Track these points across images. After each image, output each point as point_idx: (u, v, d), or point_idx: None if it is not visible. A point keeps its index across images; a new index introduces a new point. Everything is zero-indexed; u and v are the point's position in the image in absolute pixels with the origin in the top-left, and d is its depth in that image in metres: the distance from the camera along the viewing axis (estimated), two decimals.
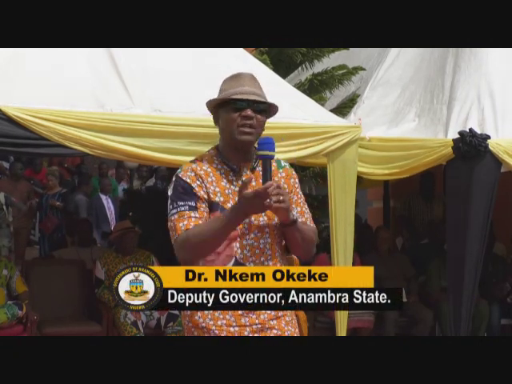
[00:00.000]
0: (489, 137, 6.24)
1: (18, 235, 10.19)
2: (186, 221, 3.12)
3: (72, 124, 5.25)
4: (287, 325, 3.22)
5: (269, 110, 3.27)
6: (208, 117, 5.53)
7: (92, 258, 7.73)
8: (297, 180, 3.33)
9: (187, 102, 5.62)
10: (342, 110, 7.41)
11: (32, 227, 12.38)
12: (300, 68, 8.40)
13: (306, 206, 3.32)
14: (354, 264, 7.40)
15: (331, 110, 6.92)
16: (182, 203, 3.15)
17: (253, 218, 3.17)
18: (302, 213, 3.28)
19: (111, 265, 7.25)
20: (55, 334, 6.70)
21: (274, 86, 6.14)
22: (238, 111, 3.17)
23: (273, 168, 3.16)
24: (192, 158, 3.32)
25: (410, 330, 7.72)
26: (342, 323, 6.11)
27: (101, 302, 7.15)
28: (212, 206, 3.16)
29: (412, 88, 7.10)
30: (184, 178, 3.17)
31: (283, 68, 8.06)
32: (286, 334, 3.19)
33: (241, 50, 6.24)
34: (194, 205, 3.13)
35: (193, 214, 3.13)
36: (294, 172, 3.34)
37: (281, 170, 3.29)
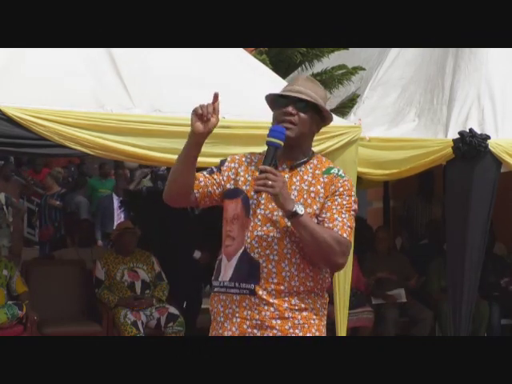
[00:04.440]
0: (489, 137, 6.24)
1: (12, 234, 10.22)
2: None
3: (72, 124, 5.25)
4: (294, 327, 3.21)
5: (322, 115, 3.36)
6: None
7: (92, 258, 7.73)
8: (341, 190, 3.23)
9: (187, 101, 5.60)
10: (342, 110, 7.41)
11: (28, 225, 12.43)
12: (300, 68, 8.40)
13: (346, 217, 3.21)
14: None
15: (331, 110, 6.88)
16: (209, 168, 3.36)
17: (268, 211, 3.21)
18: (331, 219, 3.20)
19: (111, 265, 7.25)
20: (55, 333, 6.70)
21: (273, 86, 6.15)
22: (280, 108, 3.26)
23: (317, 172, 3.27)
24: None
25: (410, 330, 7.72)
26: (341, 323, 6.12)
27: (101, 302, 7.14)
28: (237, 192, 3.26)
29: (412, 88, 7.10)
30: (228, 157, 3.38)
31: (283, 68, 8.06)
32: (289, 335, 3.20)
33: (240, 49, 6.24)
34: (213, 170, 3.34)
35: (205, 173, 3.33)
36: (342, 182, 3.26)
37: (325, 176, 3.27)
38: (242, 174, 3.29)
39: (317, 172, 3.29)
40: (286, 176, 3.25)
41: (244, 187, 3.26)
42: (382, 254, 8.04)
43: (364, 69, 7.62)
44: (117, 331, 6.96)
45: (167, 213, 6.66)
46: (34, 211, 12.90)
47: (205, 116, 3.19)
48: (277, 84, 6.30)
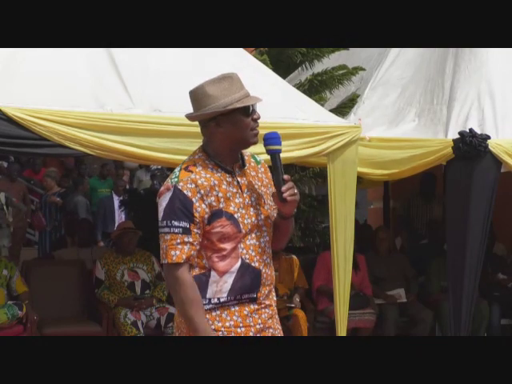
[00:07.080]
0: (489, 137, 6.24)
1: (14, 235, 10.22)
2: (179, 250, 3.08)
3: (72, 124, 5.25)
4: (277, 323, 3.31)
5: None
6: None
7: (92, 258, 7.73)
8: (269, 174, 3.36)
9: (187, 102, 5.60)
10: (342, 110, 7.40)
11: (29, 227, 12.43)
12: (300, 68, 8.40)
13: None
14: (358, 265, 7.41)
15: (331, 110, 6.92)
16: (177, 223, 3.08)
17: (253, 219, 3.19)
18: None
19: (111, 265, 7.25)
20: (55, 334, 6.70)
21: (273, 87, 6.15)
22: (249, 115, 3.17)
23: (252, 164, 3.27)
24: (182, 164, 3.20)
25: (410, 330, 7.72)
26: (341, 323, 6.11)
27: (101, 302, 7.15)
28: (216, 214, 3.12)
29: (412, 88, 7.10)
30: (185, 192, 3.09)
31: (283, 68, 8.06)
32: (277, 331, 3.27)
33: (241, 49, 6.24)
34: (188, 226, 3.08)
35: (186, 239, 3.09)
36: (267, 167, 3.37)
37: (259, 166, 3.32)
38: (210, 195, 3.11)
39: (252, 164, 3.29)
40: (244, 179, 3.21)
41: (221, 205, 3.12)
42: (382, 254, 8.04)
43: (364, 69, 7.61)
44: (117, 331, 6.96)
45: None
46: (33, 211, 12.90)
47: None
48: (277, 84, 6.31)
